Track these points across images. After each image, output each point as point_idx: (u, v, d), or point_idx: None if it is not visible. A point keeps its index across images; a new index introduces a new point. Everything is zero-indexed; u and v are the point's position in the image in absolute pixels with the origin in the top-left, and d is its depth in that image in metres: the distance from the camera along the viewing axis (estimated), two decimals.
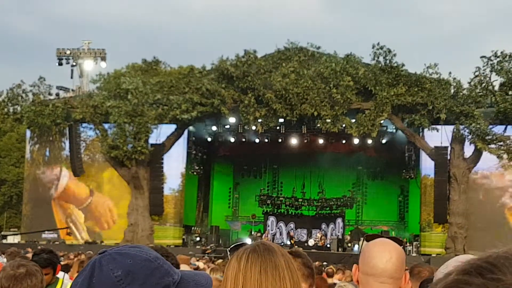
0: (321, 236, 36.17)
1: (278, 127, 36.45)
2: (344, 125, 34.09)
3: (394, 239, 2.87)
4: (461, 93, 33.35)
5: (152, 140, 36.02)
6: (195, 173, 39.49)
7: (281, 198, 41.57)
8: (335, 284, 9.70)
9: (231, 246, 2.13)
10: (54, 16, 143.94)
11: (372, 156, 40.18)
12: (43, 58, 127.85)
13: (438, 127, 33.47)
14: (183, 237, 37.07)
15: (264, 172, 43.80)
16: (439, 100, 32.71)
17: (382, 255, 2.71)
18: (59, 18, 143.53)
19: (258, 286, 1.91)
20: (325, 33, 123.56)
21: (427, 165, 34.53)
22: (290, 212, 40.81)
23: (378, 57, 34.06)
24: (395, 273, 2.68)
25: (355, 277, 2.86)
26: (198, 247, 34.28)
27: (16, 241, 38.23)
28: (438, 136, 33.55)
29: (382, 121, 33.57)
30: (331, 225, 39.36)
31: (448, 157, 33.46)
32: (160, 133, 36.32)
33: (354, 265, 2.90)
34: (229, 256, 2.08)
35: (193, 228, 38.88)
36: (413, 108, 33.20)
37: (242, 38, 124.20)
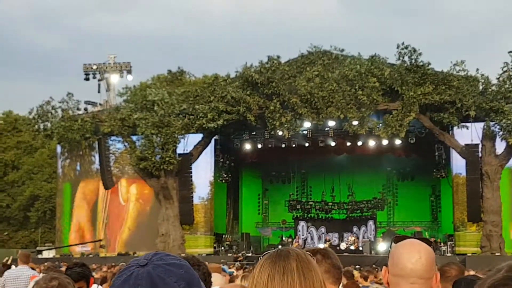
0: (353, 239, 35.98)
1: (304, 132, 36.38)
2: (371, 127, 33.90)
3: (422, 239, 2.84)
4: (490, 89, 32.94)
5: (179, 150, 36.24)
6: (223, 181, 39.62)
7: (310, 203, 41.51)
8: (368, 287, 9.62)
9: (263, 253, 2.12)
10: (78, 31, 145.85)
11: (401, 157, 39.88)
12: (70, 73, 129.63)
13: (468, 124, 33.10)
14: (214, 245, 37.15)
15: (292, 177, 43.74)
16: (468, 97, 32.34)
17: (411, 255, 2.68)
18: (83, 33, 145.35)
19: None
20: (348, 36, 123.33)
21: (458, 164, 34.16)
22: (320, 216, 40.74)
23: (403, 57, 33.83)
24: (425, 273, 2.65)
25: (385, 279, 2.83)
26: (229, 254, 34.33)
27: (51, 255, 38.70)
28: (468, 134, 33.18)
29: (410, 121, 33.29)
30: (363, 228, 39.20)
31: (480, 155, 33.04)
32: (187, 142, 36.52)
33: (384, 267, 2.88)
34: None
35: (224, 236, 38.97)
36: (441, 107, 32.87)
37: (265, 44, 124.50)
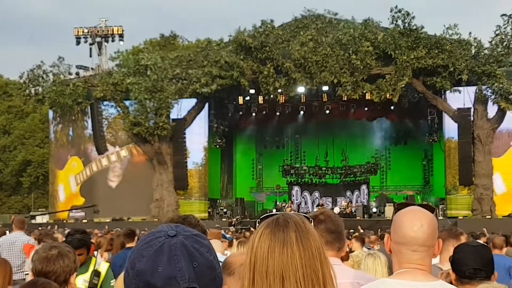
0: (347, 204, 36.24)
1: (298, 97, 36.32)
2: (364, 91, 33.86)
3: (425, 206, 2.82)
4: (482, 53, 32.88)
5: (173, 115, 36.17)
6: (217, 146, 39.63)
7: (304, 168, 41.63)
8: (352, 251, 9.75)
9: (260, 217, 2.13)
10: None
11: (394, 121, 39.98)
12: (60, 38, 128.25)
13: (460, 88, 33.13)
14: (209, 210, 37.35)
15: (286, 142, 43.79)
16: (460, 61, 32.31)
17: (413, 223, 2.68)
18: None
19: (266, 263, 1.92)
20: None
21: (450, 128, 34.27)
22: (314, 181, 40.89)
23: (396, 21, 33.63)
24: (427, 241, 2.65)
25: (387, 246, 2.85)
26: (224, 219, 34.55)
27: (44, 220, 38.76)
28: (461, 98, 33.22)
29: (403, 85, 33.27)
30: (356, 192, 39.42)
31: (472, 119, 33.15)
32: (181, 108, 36.44)
33: (386, 235, 2.89)
34: (257, 227, 2.10)
35: (218, 201, 39.14)
36: (434, 71, 32.85)
37: (259, 8, 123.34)
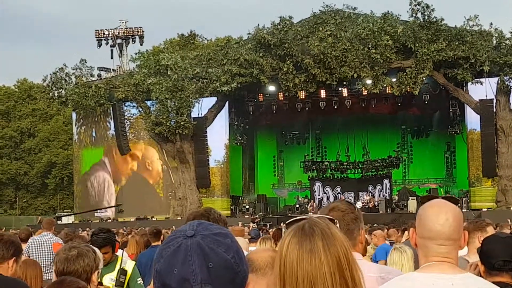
0: (369, 198, 36.13)
1: (318, 92, 36.25)
2: (385, 85, 33.72)
3: (449, 198, 2.79)
4: (503, 44, 32.57)
5: (194, 114, 36.30)
6: (238, 143, 39.71)
7: (326, 163, 41.59)
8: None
9: (288, 222, 2.17)
10: None
11: (416, 114, 39.71)
12: (81, 40, 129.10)
13: (482, 80, 32.86)
14: (231, 207, 37.44)
15: (307, 138, 43.72)
16: (482, 53, 32.01)
17: (439, 217, 2.64)
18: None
19: (295, 273, 1.98)
20: None
21: (473, 119, 34.01)
22: (336, 176, 40.84)
23: (416, 14, 33.43)
24: (453, 234, 2.62)
25: (413, 240, 2.83)
26: (246, 216, 34.61)
27: (70, 221, 39.16)
28: (483, 89, 32.94)
29: (424, 78, 33.08)
30: (378, 186, 39.31)
31: (494, 110, 32.86)
32: (202, 106, 36.60)
33: (411, 229, 2.87)
34: (283, 232, 2.13)
35: (240, 198, 39.23)
36: (455, 63, 32.59)
37: (277, 5, 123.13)
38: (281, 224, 20.72)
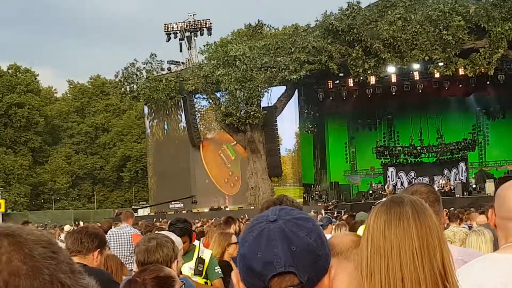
0: (445, 182, 35.38)
1: (388, 77, 35.71)
2: (458, 67, 32.89)
3: None
4: None
5: (263, 103, 36.46)
6: (309, 131, 39.63)
7: (398, 148, 41.01)
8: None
9: (376, 203, 2.15)
10: None
11: (490, 96, 38.55)
12: (151, 34, 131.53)
13: None
14: (304, 195, 37.43)
15: (378, 123, 43.16)
16: None
17: None
18: None
19: (382, 237, 1.93)
20: None
21: None
22: (409, 161, 40.23)
23: None
24: None
25: (492, 221, 2.78)
26: (319, 204, 34.54)
27: (146, 213, 40.02)
28: None
29: (498, 58, 32.07)
30: (454, 170, 38.46)
31: None
32: (271, 95, 36.69)
33: (490, 210, 2.82)
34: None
35: (312, 186, 39.17)
36: None
37: None
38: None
